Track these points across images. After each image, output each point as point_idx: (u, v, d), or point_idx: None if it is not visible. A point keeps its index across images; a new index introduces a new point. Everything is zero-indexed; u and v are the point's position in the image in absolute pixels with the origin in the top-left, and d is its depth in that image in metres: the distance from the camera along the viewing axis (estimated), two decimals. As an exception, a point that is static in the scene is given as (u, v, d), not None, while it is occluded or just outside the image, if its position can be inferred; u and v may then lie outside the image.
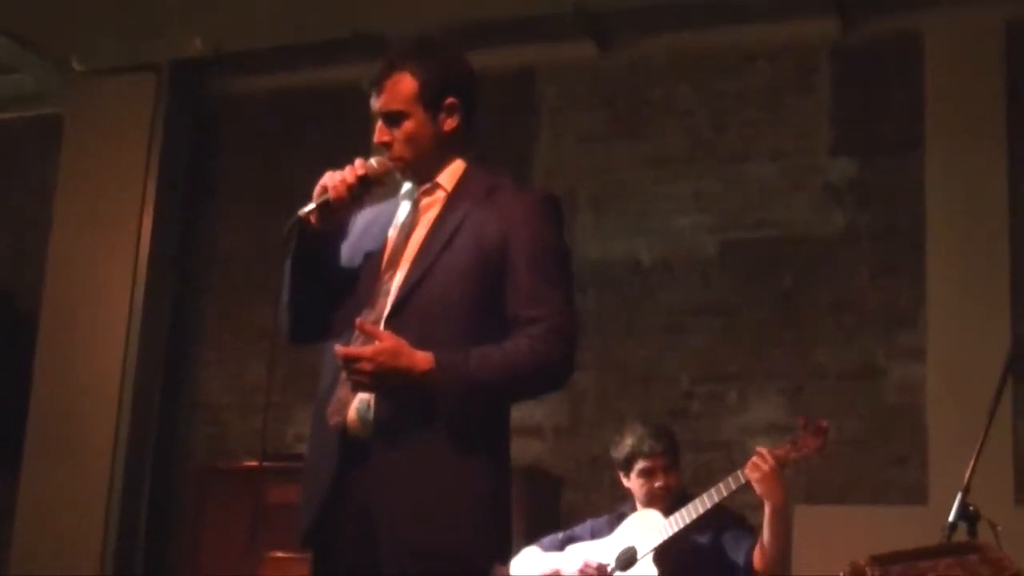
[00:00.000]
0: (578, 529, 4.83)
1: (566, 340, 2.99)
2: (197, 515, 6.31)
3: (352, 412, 2.96)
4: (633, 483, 4.68)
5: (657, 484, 4.62)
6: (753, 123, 6.63)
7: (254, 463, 6.15)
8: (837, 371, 6.21)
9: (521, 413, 6.47)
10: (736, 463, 5.95)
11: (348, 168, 3.06)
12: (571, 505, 6.29)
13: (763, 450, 4.43)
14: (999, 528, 3.49)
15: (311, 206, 3.02)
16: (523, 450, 6.50)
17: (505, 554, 3.04)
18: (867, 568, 3.16)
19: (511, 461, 3.05)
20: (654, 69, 6.84)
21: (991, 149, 6.17)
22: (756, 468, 4.39)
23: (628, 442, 4.67)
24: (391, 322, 2.97)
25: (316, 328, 3.12)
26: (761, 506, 4.46)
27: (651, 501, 4.62)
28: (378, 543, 2.91)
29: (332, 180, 3.04)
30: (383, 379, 2.86)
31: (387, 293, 3.03)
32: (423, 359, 2.88)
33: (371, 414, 2.94)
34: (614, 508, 4.87)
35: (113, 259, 7.12)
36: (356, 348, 2.90)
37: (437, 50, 3.18)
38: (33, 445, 6.95)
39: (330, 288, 3.10)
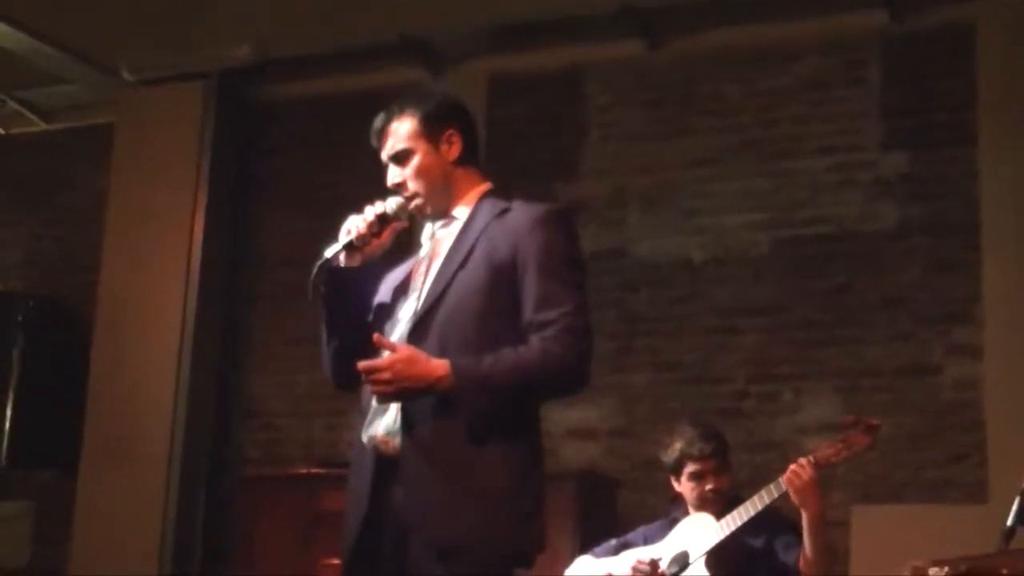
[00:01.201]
0: (631, 536, 4.80)
1: (579, 340, 3.12)
2: (251, 522, 6.32)
3: (381, 430, 3.15)
4: (684, 487, 4.65)
5: (708, 487, 4.58)
6: (802, 118, 6.57)
7: (307, 470, 6.16)
8: (892, 368, 6.14)
9: (575, 415, 6.52)
10: (790, 463, 5.94)
11: (368, 208, 3.29)
12: (627, 507, 6.26)
13: (803, 460, 4.39)
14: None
15: (336, 247, 3.24)
16: (578, 453, 6.52)
17: (537, 545, 3.13)
18: (930, 571, 3.11)
19: (542, 460, 3.18)
20: (701, 66, 6.80)
21: (1045, 139, 6.09)
22: (795, 477, 4.36)
23: (677, 445, 4.64)
24: (413, 338, 3.15)
25: (353, 373, 3.17)
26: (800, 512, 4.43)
27: (702, 504, 4.59)
28: (409, 550, 3.06)
29: (354, 221, 3.27)
30: (402, 386, 3.03)
31: (407, 316, 3.23)
32: (439, 365, 3.05)
33: (397, 426, 3.11)
34: (667, 512, 4.84)
35: (165, 266, 7.17)
36: (373, 362, 3.06)
37: (432, 93, 3.57)
38: (90, 451, 7.02)
39: (363, 333, 3.23)
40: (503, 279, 3.16)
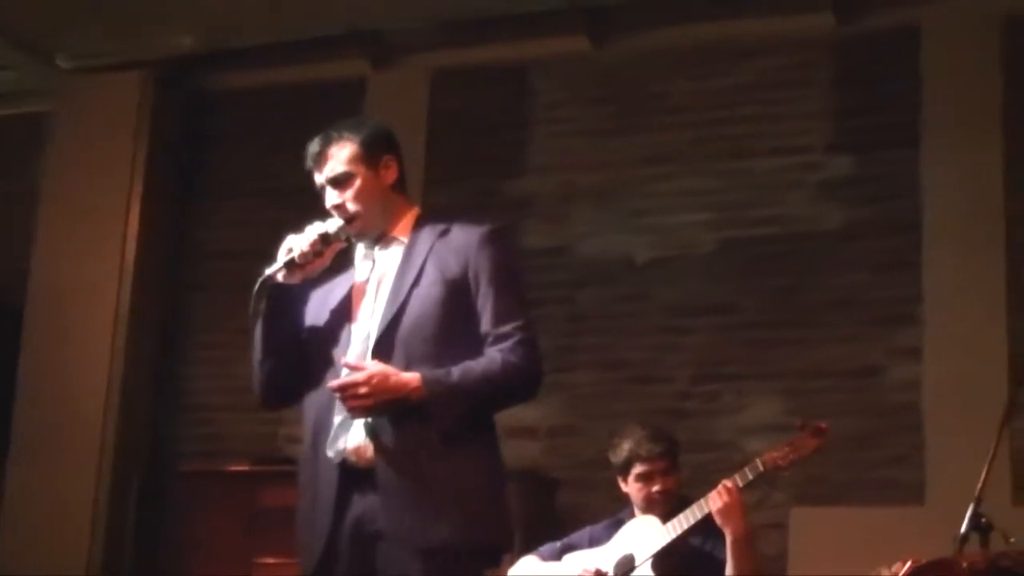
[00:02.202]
0: (576, 537, 4.75)
1: (534, 351, 3.36)
2: (187, 518, 6.23)
3: (351, 443, 3.28)
4: (631, 487, 4.60)
5: (655, 488, 4.54)
6: (750, 119, 6.57)
7: (246, 466, 6.08)
8: (835, 370, 6.14)
9: (515, 414, 6.40)
10: (733, 464, 5.90)
11: (309, 228, 3.40)
12: (567, 506, 6.22)
13: (727, 482, 4.37)
14: (1012, 540, 3.42)
15: (278, 265, 3.36)
16: (519, 452, 6.44)
17: (509, 544, 3.38)
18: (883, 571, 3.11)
19: (504, 463, 3.40)
20: (650, 64, 6.78)
21: (988, 144, 6.12)
22: (718, 499, 4.34)
23: (626, 446, 4.60)
24: (377, 354, 3.29)
25: (286, 392, 3.46)
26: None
27: (649, 505, 4.55)
28: (376, 556, 3.22)
29: (296, 241, 3.40)
30: (379, 400, 3.20)
31: (368, 334, 3.36)
32: (411, 377, 3.23)
33: (367, 439, 3.25)
34: (615, 512, 4.79)
35: (101, 257, 7.05)
36: (349, 378, 3.22)
37: (365, 120, 3.73)
38: (19, 445, 6.89)
39: (297, 352, 3.43)
40: (458, 294, 3.35)
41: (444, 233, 3.45)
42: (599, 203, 6.74)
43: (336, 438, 3.30)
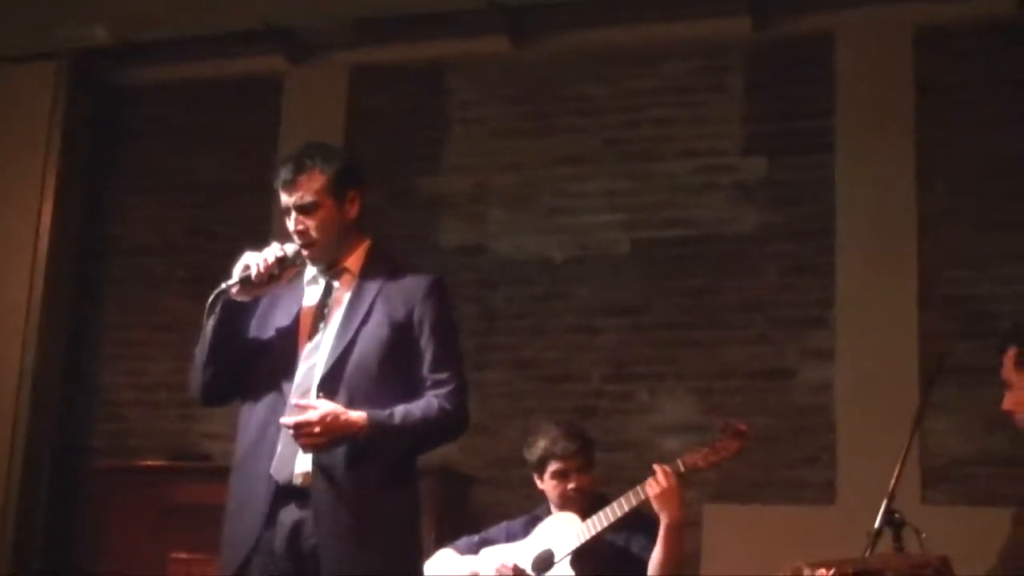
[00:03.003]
0: (493, 531, 4.77)
1: (465, 398, 3.63)
2: (98, 514, 6.16)
3: (297, 468, 3.50)
4: (547, 484, 4.63)
5: (570, 486, 4.57)
6: (665, 121, 6.62)
7: (159, 462, 6.03)
8: (747, 371, 6.22)
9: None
10: (646, 462, 5.92)
11: (268, 250, 3.59)
12: (481, 504, 6.24)
13: (667, 467, 4.41)
14: (924, 535, 3.48)
15: (234, 280, 3.54)
16: (433, 449, 6.46)
17: (420, 569, 3.70)
18: (805, 571, 3.14)
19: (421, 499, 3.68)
20: (567, 65, 6.82)
21: (900, 149, 6.21)
22: (657, 484, 4.37)
23: (541, 444, 4.62)
24: (323, 388, 3.53)
25: (223, 395, 3.71)
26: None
27: (565, 503, 4.58)
28: (305, 570, 3.47)
29: (254, 259, 3.57)
30: (331, 436, 3.42)
31: (314, 365, 3.58)
32: (358, 417, 3.46)
33: (310, 466, 3.48)
34: (529, 510, 4.81)
35: (13, 249, 6.96)
36: (303, 417, 3.42)
37: (337, 151, 3.81)
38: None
39: (241, 357, 3.64)
40: (401, 338, 3.60)
41: (393, 275, 3.69)
42: (514, 203, 6.76)
43: (280, 457, 3.52)
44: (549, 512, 4.65)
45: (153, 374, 6.91)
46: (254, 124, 7.12)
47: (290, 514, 3.50)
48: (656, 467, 4.44)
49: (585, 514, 4.49)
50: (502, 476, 6.32)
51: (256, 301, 3.66)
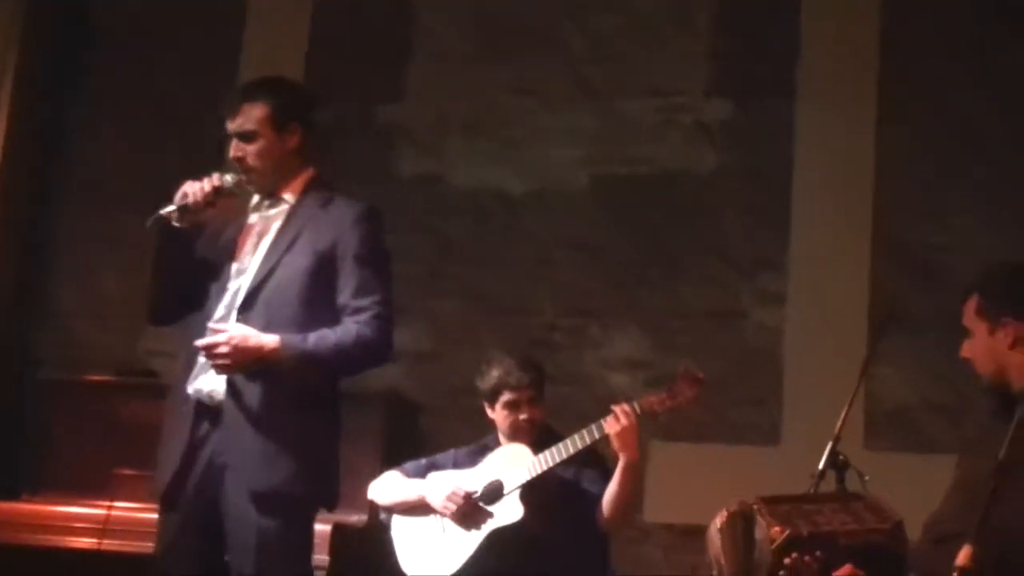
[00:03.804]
0: (440, 457, 4.79)
1: (387, 325, 3.71)
2: (46, 427, 6.13)
3: (206, 386, 3.66)
4: (498, 415, 4.65)
5: (522, 417, 4.60)
6: (629, 57, 6.59)
7: (106, 377, 6.00)
8: (700, 310, 6.24)
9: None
10: (596, 397, 6.01)
11: (206, 179, 3.72)
12: (428, 432, 6.24)
13: (626, 406, 4.42)
14: (867, 478, 3.53)
15: (171, 207, 3.69)
16: (382, 374, 6.42)
17: (337, 494, 3.77)
18: (754, 506, 3.18)
19: (340, 424, 3.79)
20: (533, -3, 6.77)
21: (861, 99, 6.21)
22: (617, 422, 4.38)
23: (495, 373, 4.63)
24: (243, 312, 3.68)
25: (172, 314, 3.88)
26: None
27: (515, 433, 4.60)
28: (224, 489, 3.59)
29: (191, 187, 3.72)
30: (239, 358, 3.55)
31: (239, 288, 3.73)
32: (270, 339, 3.58)
33: (223, 384, 3.63)
34: (477, 440, 4.83)
35: (-33, 160, 6.85)
36: (213, 339, 3.57)
37: (288, 85, 4.01)
38: None
39: (187, 281, 3.79)
40: (324, 265, 3.69)
41: (326, 203, 3.81)
42: (474, 134, 6.73)
43: (196, 377, 3.69)
44: (498, 442, 4.67)
45: (103, 289, 6.86)
46: (215, 46, 7.03)
47: (208, 433, 3.65)
48: (615, 407, 4.44)
49: (535, 446, 4.51)
50: (451, 405, 6.32)
51: (198, 227, 3.79)
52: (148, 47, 7.16)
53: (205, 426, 3.67)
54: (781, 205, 6.22)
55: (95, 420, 5.96)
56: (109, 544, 5.33)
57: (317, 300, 3.68)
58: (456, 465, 4.70)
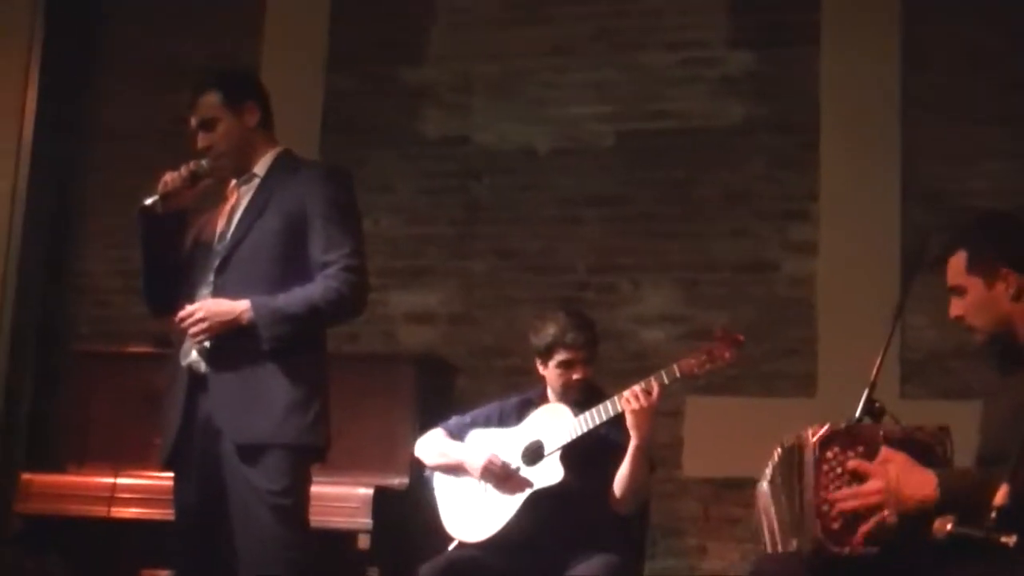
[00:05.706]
0: (484, 411, 4.73)
1: (356, 276, 3.85)
2: (83, 398, 6.15)
3: (194, 354, 3.88)
4: (550, 372, 4.59)
5: (575, 376, 4.54)
6: (651, 12, 6.58)
7: (143, 348, 6.03)
8: (731, 263, 6.25)
9: (414, 300, 6.52)
10: (629, 353, 6.04)
11: (182, 167, 3.93)
12: (462, 393, 6.26)
13: (644, 386, 4.36)
14: (903, 424, 3.52)
15: (155, 197, 3.92)
16: (416, 337, 6.52)
17: (324, 445, 3.91)
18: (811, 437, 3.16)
19: (327, 373, 3.94)
20: (555, -47, 6.74)
21: (885, 45, 6.20)
22: (634, 401, 4.34)
23: (551, 331, 4.57)
24: (219, 274, 3.89)
25: (165, 302, 4.03)
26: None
27: (566, 392, 4.55)
28: (221, 451, 3.79)
29: (170, 176, 3.93)
30: (213, 323, 3.78)
31: (215, 257, 3.93)
32: (240, 302, 3.80)
33: (206, 351, 3.84)
34: (523, 392, 4.79)
35: (-2, 135, 6.90)
36: (187, 309, 3.81)
37: (232, 70, 4.34)
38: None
39: (178, 268, 4.00)
40: (294, 226, 3.87)
41: (294, 170, 4.00)
42: (499, 93, 6.73)
43: (188, 351, 3.90)
44: (544, 399, 4.64)
45: (136, 260, 6.87)
46: (240, 11, 7.04)
47: (200, 400, 3.84)
48: (635, 388, 4.38)
49: (579, 405, 4.49)
50: (484, 365, 6.37)
51: (182, 214, 4.00)
52: (175, 16, 7.16)
53: (198, 394, 3.85)
54: (809, 154, 6.21)
55: (133, 392, 5.98)
56: (151, 513, 5.38)
57: (291, 259, 3.86)
58: (501, 419, 4.67)
